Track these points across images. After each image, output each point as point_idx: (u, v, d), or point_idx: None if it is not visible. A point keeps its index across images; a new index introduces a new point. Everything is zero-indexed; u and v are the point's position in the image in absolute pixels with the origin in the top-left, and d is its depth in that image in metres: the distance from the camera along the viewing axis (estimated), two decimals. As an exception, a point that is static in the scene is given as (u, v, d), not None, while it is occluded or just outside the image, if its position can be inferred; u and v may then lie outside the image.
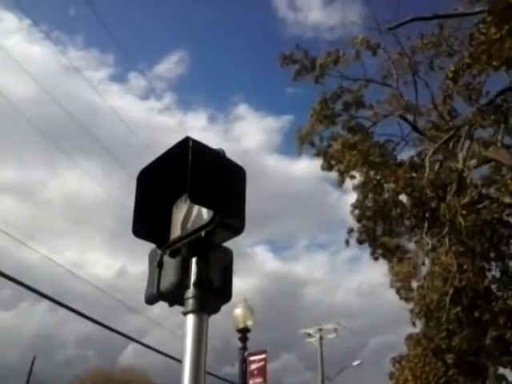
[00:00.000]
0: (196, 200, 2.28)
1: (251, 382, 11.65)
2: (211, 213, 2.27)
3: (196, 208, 2.41)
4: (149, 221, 2.48)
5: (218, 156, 2.39)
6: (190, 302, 2.29)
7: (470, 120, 13.65)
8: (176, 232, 2.45)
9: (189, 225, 2.41)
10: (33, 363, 27.94)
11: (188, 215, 2.45)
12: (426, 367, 16.02)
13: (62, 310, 14.39)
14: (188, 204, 2.45)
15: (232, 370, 11.81)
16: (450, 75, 13.15)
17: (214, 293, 2.37)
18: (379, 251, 15.59)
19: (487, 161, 14.73)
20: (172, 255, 2.40)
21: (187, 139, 2.29)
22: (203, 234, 2.28)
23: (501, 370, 16.47)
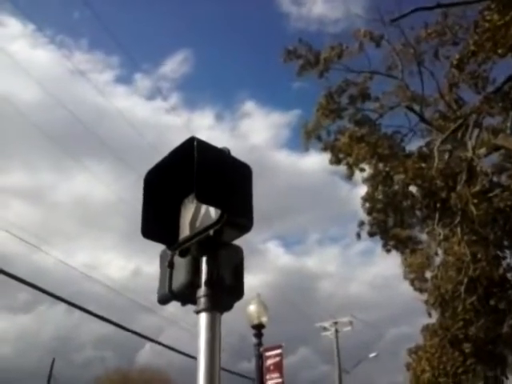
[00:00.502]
0: (203, 199, 2.29)
1: (268, 377, 11.68)
2: (219, 211, 2.28)
3: (204, 207, 2.43)
4: (157, 221, 2.50)
5: (223, 155, 2.40)
6: (202, 301, 2.31)
7: (478, 108, 13.53)
8: (185, 232, 2.47)
9: (197, 224, 2.43)
10: (52, 365, 28.28)
11: (196, 214, 2.46)
12: (443, 357, 15.88)
13: (79, 312, 14.59)
14: (195, 203, 2.46)
15: (249, 365, 11.88)
16: (455, 63, 13.04)
17: (225, 291, 2.39)
18: (391, 243, 15.53)
19: (497, 148, 14.61)
20: (182, 255, 2.42)
21: (192, 139, 2.30)
22: (211, 232, 2.29)
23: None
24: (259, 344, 11.44)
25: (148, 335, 17.23)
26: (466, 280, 13.92)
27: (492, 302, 15.00)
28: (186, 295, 2.42)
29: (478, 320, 15.20)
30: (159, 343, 17.60)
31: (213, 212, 2.36)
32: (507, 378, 16.33)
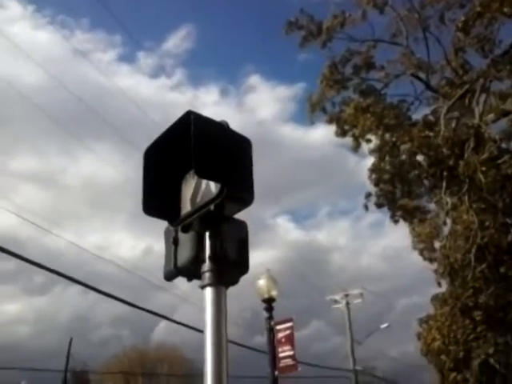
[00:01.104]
0: (202, 174, 2.27)
1: (280, 349, 11.80)
2: (219, 186, 2.27)
3: (204, 182, 2.41)
4: (159, 198, 2.49)
5: (221, 128, 2.37)
6: (207, 276, 2.31)
7: (485, 72, 13.26)
8: (186, 207, 2.46)
9: (198, 199, 2.42)
10: (70, 345, 28.93)
11: (197, 190, 2.45)
12: (453, 326, 15.93)
13: (94, 293, 14.79)
14: (196, 179, 2.45)
15: (262, 339, 12.04)
16: (461, 26, 12.73)
17: (230, 265, 2.38)
18: (399, 214, 15.46)
19: (505, 114, 14.37)
20: (184, 230, 2.41)
21: (189, 113, 2.26)
22: (212, 207, 2.27)
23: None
24: (270, 318, 11.64)
25: (162, 313, 17.46)
26: (474, 248, 13.89)
27: (502, 270, 14.94)
28: (191, 271, 2.42)
29: (487, 288, 15.19)
30: (173, 321, 17.84)
31: (213, 186, 2.34)
32: None
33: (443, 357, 16.18)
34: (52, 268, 13.18)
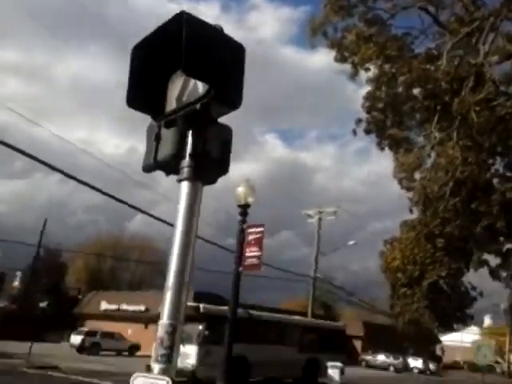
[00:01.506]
0: (190, 73, 2.27)
1: (247, 249, 12.48)
2: (206, 86, 2.27)
3: (192, 82, 2.41)
4: (144, 93, 2.49)
5: (215, 31, 2.33)
6: (185, 170, 2.36)
7: (497, 11, 12.81)
8: (172, 105, 2.48)
9: (184, 98, 2.43)
10: (45, 224, 30.67)
11: (184, 89, 2.45)
12: (415, 249, 16.99)
13: (73, 182, 15.06)
14: (183, 79, 2.44)
15: (234, 241, 12.60)
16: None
17: (210, 163, 2.42)
18: (386, 142, 15.57)
19: (510, 56, 14.09)
20: (167, 126, 2.44)
21: (182, 13, 2.23)
22: (198, 106, 2.29)
23: (485, 257, 17.54)
24: (243, 221, 12.11)
25: (140, 207, 18.10)
26: (452, 182, 14.29)
27: (473, 205, 15.49)
28: (170, 165, 2.45)
29: (455, 219, 15.90)
30: (147, 213, 18.62)
31: (201, 87, 2.35)
32: (468, 270, 17.66)
33: (399, 274, 17.42)
34: (33, 154, 13.34)
